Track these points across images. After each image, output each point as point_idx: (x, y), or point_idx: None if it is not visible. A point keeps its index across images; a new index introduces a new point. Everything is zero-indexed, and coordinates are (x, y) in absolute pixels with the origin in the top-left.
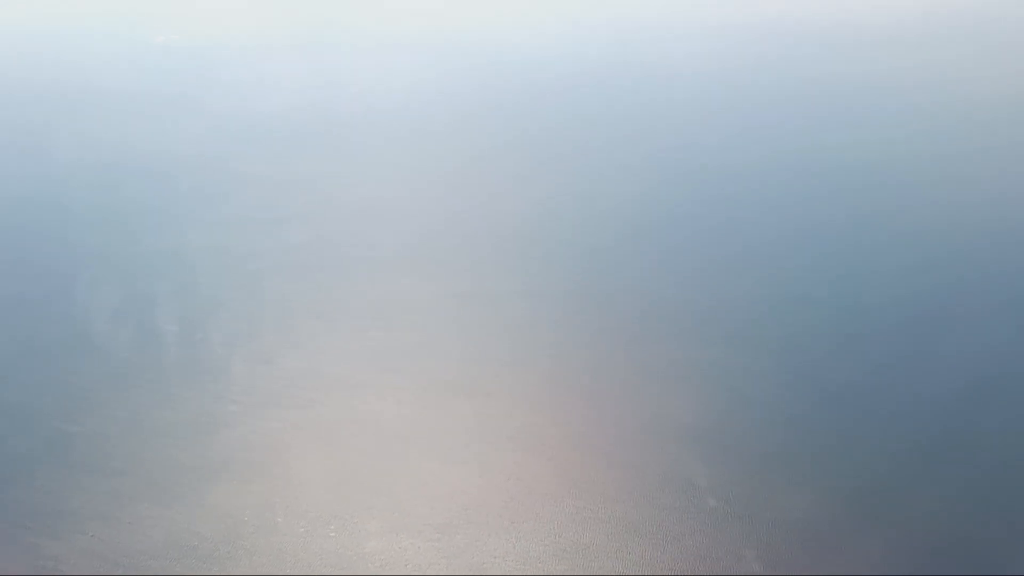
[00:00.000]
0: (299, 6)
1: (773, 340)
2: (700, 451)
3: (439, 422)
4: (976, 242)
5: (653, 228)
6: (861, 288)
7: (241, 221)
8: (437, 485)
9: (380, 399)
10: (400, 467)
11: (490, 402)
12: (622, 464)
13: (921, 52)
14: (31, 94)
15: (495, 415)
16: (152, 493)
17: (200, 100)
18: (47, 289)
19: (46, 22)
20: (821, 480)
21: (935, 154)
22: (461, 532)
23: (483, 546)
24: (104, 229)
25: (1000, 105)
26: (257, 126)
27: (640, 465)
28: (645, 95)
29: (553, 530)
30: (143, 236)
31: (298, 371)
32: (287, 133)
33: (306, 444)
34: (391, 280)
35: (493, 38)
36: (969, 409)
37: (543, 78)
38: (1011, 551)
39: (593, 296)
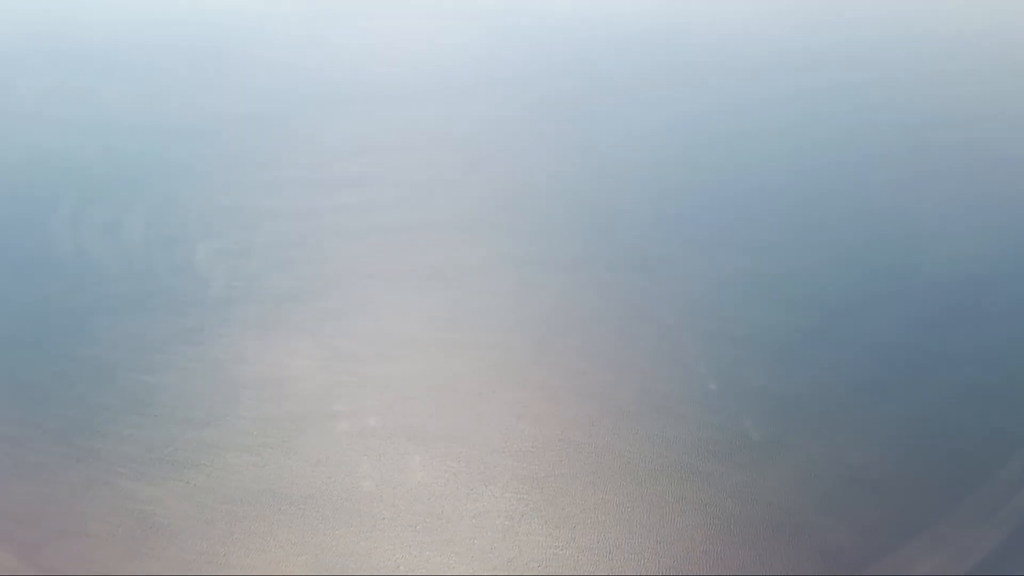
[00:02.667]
0: None
1: (835, 304)
2: (770, 409)
3: (511, 380)
4: None
5: (714, 195)
6: (924, 254)
7: (293, 182)
8: (518, 439)
9: (448, 357)
10: (478, 424)
11: (561, 361)
12: (697, 422)
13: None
14: (77, 55)
15: (566, 374)
16: (241, 442)
17: (248, 61)
18: (109, 247)
19: None
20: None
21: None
22: (549, 486)
23: (572, 498)
24: (157, 190)
25: None
26: (305, 87)
27: (717, 424)
28: (700, 56)
29: (635, 480)
30: (195, 197)
31: (364, 330)
32: (335, 95)
33: (379, 397)
34: (447, 243)
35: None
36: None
37: (596, 38)
38: None
39: (654, 263)
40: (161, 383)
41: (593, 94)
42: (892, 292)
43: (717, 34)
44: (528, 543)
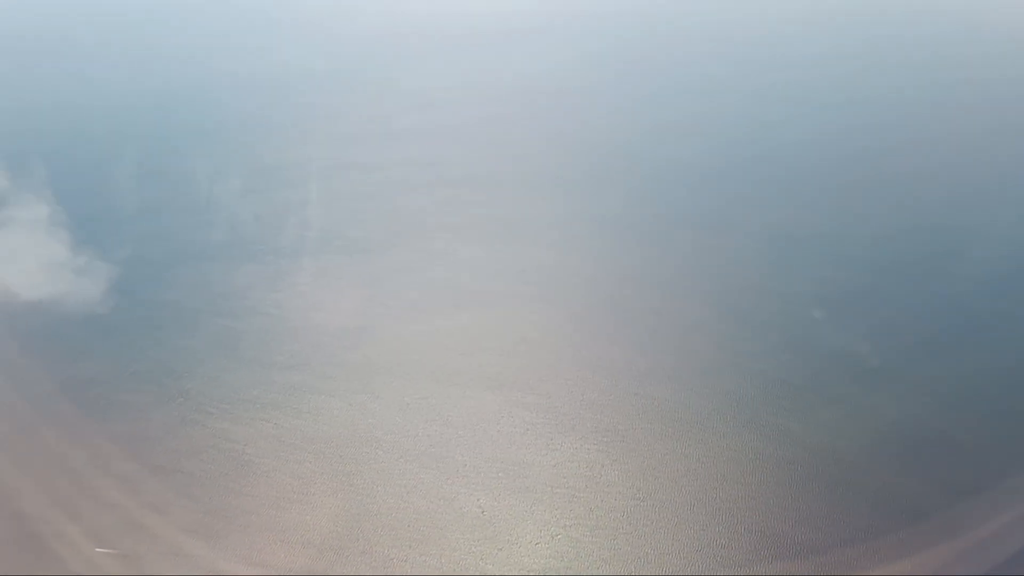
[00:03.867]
0: None
1: (911, 264)
2: (848, 368)
3: (586, 333)
4: None
5: (771, 148)
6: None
7: (363, 136)
8: (595, 392)
9: (521, 310)
10: (555, 376)
11: (635, 316)
12: (774, 380)
13: None
14: (142, 13)
15: (641, 329)
16: (324, 387)
17: (312, 16)
18: (186, 198)
19: None
20: None
21: None
22: (629, 438)
23: (651, 451)
24: (232, 142)
25: None
26: (369, 42)
27: (796, 383)
28: (756, 8)
29: (714, 435)
30: (268, 149)
31: (436, 282)
32: (400, 49)
33: (455, 348)
34: (513, 198)
35: None
36: None
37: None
38: None
39: (722, 220)
40: (244, 328)
41: (651, 47)
42: (954, 250)
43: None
44: (609, 493)
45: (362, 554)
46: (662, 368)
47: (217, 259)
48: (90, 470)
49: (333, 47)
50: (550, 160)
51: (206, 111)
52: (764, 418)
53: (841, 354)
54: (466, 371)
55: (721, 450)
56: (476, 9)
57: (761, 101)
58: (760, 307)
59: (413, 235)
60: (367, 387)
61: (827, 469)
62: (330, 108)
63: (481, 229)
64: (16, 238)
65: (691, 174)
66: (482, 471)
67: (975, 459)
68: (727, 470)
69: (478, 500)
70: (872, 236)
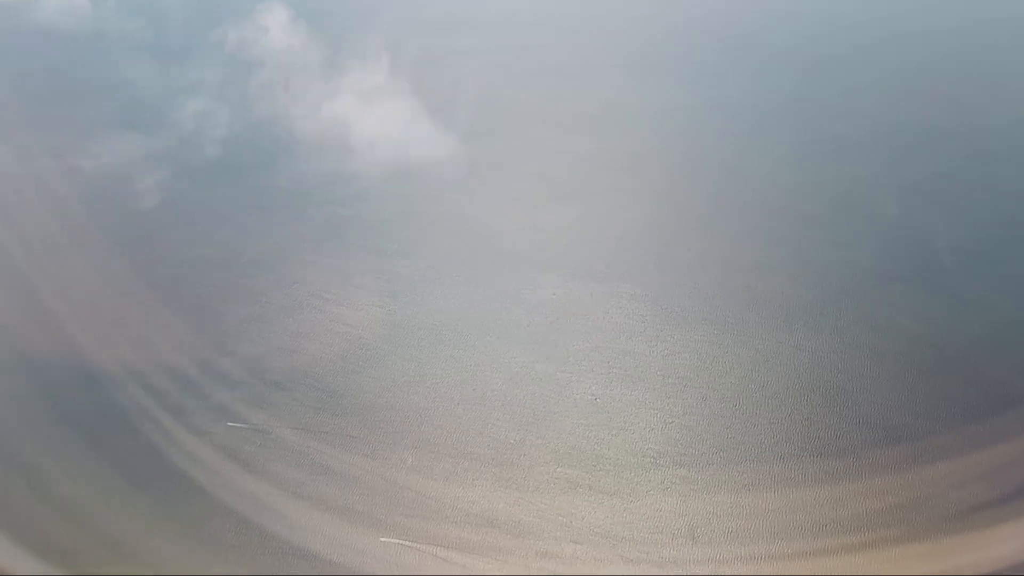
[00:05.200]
0: None
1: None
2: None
3: (693, 228)
4: None
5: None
6: None
7: (453, 22)
8: (705, 285)
9: (624, 203)
10: (662, 268)
11: (741, 211)
12: (885, 274)
13: None
14: None
15: (747, 224)
16: (431, 275)
17: None
18: (291, 88)
19: None
20: None
21: None
22: (740, 331)
23: (764, 342)
24: (331, 27)
25: None
26: None
27: (904, 275)
28: None
29: (826, 328)
30: (360, 34)
31: (535, 174)
32: None
33: (557, 239)
34: (611, 86)
35: None
36: None
37: None
38: None
39: (841, 113)
40: (353, 215)
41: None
42: None
43: None
44: (721, 383)
45: (479, 435)
46: (772, 261)
47: (325, 149)
48: (215, 351)
49: None
50: (647, 46)
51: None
52: (875, 311)
53: (954, 249)
54: (572, 263)
55: (833, 343)
56: None
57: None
58: (872, 200)
59: (508, 126)
60: (474, 277)
61: (936, 361)
62: None
63: (577, 120)
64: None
65: (803, 62)
66: (592, 360)
67: None
68: (839, 361)
69: (590, 388)
70: (991, 128)
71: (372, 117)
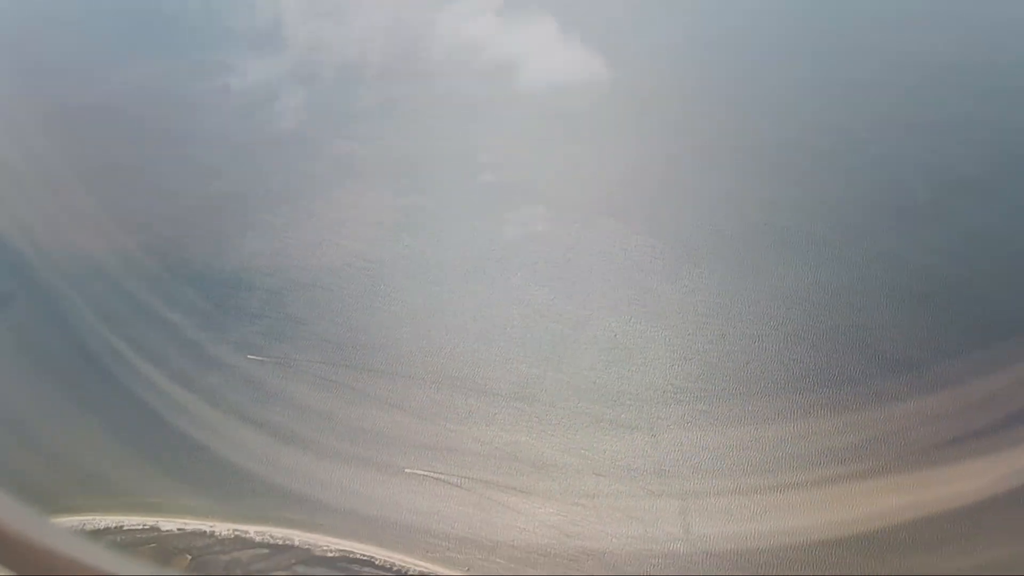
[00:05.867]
0: None
1: None
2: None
3: (710, 164)
4: None
5: None
6: None
7: None
8: (723, 222)
9: (637, 141)
10: (680, 206)
11: (761, 149)
12: (904, 210)
13: None
14: None
15: (767, 161)
16: (449, 212)
17: None
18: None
19: None
20: None
21: None
22: (759, 269)
23: (784, 281)
24: None
25: None
26: None
27: (929, 215)
28: None
29: (845, 266)
30: None
31: (549, 113)
32: None
33: (573, 175)
34: (632, 20)
35: None
36: None
37: None
38: None
39: (861, 50)
40: (363, 153)
41: None
42: None
43: None
44: (740, 320)
45: (500, 370)
46: (789, 199)
47: (337, 84)
48: (236, 282)
49: None
50: None
51: None
52: (892, 249)
53: (971, 184)
54: (589, 202)
55: (852, 280)
56: None
57: None
58: (889, 137)
59: (525, 59)
60: (490, 213)
61: (955, 298)
62: None
63: (592, 54)
64: None
65: None
66: (611, 297)
67: None
68: (857, 300)
69: (609, 324)
70: (1006, 65)
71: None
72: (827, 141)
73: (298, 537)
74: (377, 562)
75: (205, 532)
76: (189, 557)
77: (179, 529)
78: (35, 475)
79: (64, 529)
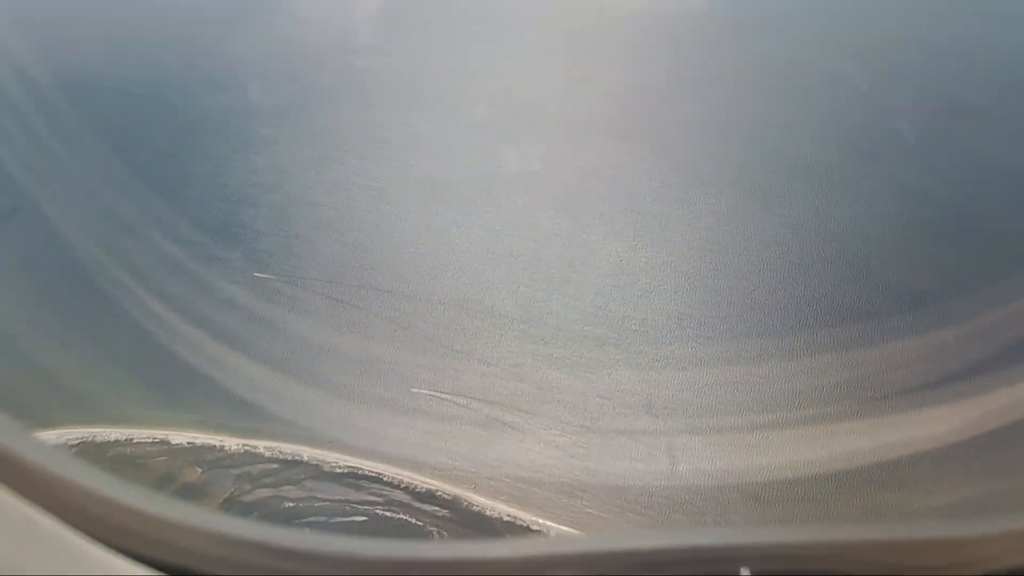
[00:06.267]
0: None
1: None
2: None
3: (715, 83)
4: None
5: None
6: None
7: None
8: (733, 146)
9: (642, 61)
10: (687, 127)
11: (772, 70)
12: (914, 137)
13: None
14: None
15: (776, 81)
16: (457, 133)
17: None
18: None
19: None
20: None
21: None
22: (767, 195)
23: (788, 208)
24: None
25: None
26: None
27: (938, 142)
28: None
29: (852, 197)
30: None
31: (556, 33)
32: None
33: (581, 94)
34: None
35: None
36: None
37: None
38: None
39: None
40: (370, 68)
41: None
42: None
43: None
44: (748, 249)
45: (506, 292)
46: (802, 124)
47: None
48: (240, 199)
49: None
50: None
51: None
52: (903, 177)
53: (977, 109)
54: (595, 122)
55: (862, 210)
56: None
57: None
58: (900, 59)
59: None
60: (498, 134)
61: (959, 225)
62: None
63: None
64: None
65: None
66: (617, 222)
67: None
68: (867, 229)
69: (616, 249)
70: None
71: None
72: (839, 62)
73: (307, 453)
74: (385, 479)
75: (215, 447)
76: (199, 470)
77: (189, 443)
78: (41, 390)
79: (59, 444)
